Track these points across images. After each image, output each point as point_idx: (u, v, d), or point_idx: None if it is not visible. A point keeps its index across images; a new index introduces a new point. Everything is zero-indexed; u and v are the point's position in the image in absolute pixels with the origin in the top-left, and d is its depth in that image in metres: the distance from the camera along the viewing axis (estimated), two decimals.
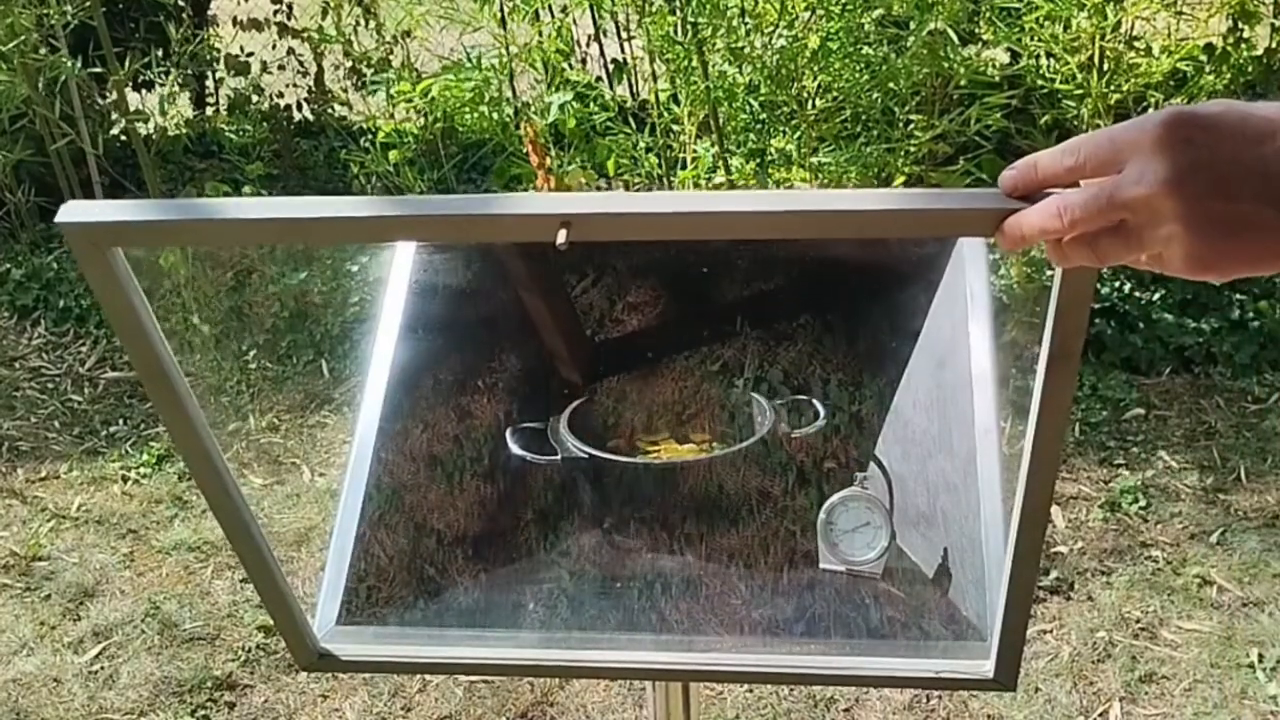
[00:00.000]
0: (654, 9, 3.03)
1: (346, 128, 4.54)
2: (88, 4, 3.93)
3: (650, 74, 3.56)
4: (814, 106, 3.00)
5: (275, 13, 4.73)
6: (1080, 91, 3.21)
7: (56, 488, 3.20)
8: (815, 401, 1.22)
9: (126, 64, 4.10)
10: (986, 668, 1.04)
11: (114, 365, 3.78)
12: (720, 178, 3.13)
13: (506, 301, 1.36)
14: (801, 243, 1.28)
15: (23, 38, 3.73)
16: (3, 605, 2.74)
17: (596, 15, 3.82)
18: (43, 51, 3.90)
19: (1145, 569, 2.62)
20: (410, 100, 3.51)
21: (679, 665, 1.10)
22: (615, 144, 3.27)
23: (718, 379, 1.27)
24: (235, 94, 4.87)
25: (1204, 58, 3.57)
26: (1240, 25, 3.66)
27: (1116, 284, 3.32)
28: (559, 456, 1.20)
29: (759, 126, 3.16)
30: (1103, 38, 3.17)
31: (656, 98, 3.24)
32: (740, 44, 2.93)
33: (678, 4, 2.94)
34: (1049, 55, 3.31)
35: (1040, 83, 3.34)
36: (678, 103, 3.14)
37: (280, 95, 4.85)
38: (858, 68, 2.95)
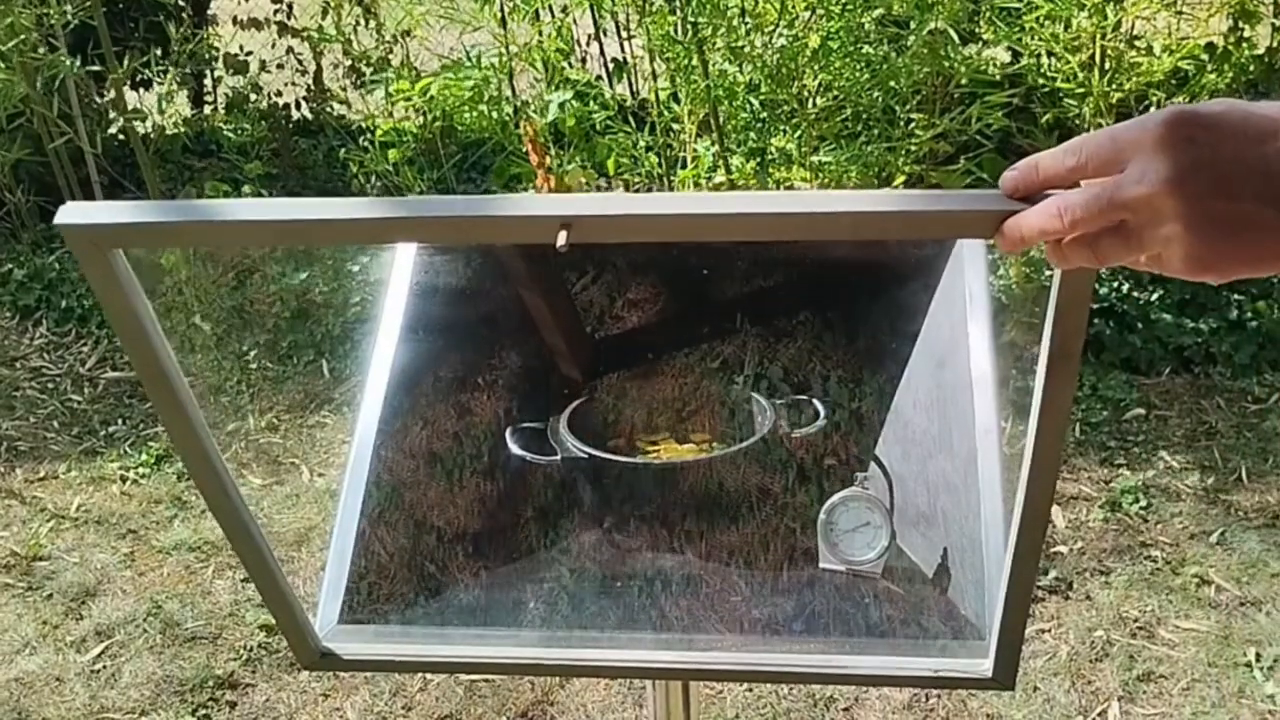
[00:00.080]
0: (654, 8, 3.03)
1: (345, 127, 4.54)
2: (88, 4, 3.93)
3: (650, 73, 3.56)
4: (814, 105, 3.00)
5: (275, 12, 4.73)
6: (1082, 90, 3.20)
7: (55, 488, 3.20)
8: (815, 401, 1.22)
9: (125, 63, 4.10)
10: (985, 667, 1.04)
11: (114, 365, 3.78)
12: (720, 177, 3.12)
13: (506, 300, 1.36)
14: (802, 242, 1.28)
15: (22, 37, 3.73)
16: (4, 605, 2.74)
17: (596, 14, 3.82)
18: (42, 51, 3.90)
19: (1144, 569, 2.62)
20: (409, 99, 3.50)
21: (679, 664, 1.10)
22: (615, 143, 3.26)
23: (718, 378, 1.27)
24: (233, 93, 4.87)
25: (1205, 57, 3.57)
26: (1241, 25, 3.66)
27: (1115, 284, 3.32)
28: (559, 457, 1.20)
29: (759, 125, 3.15)
30: (1103, 37, 3.16)
31: (656, 97, 3.23)
32: (740, 43, 2.93)
33: (678, 3, 2.94)
34: (1050, 54, 3.30)
35: (1041, 81, 3.34)
36: (678, 102, 3.14)
37: (279, 94, 4.84)
38: (858, 67, 2.94)
